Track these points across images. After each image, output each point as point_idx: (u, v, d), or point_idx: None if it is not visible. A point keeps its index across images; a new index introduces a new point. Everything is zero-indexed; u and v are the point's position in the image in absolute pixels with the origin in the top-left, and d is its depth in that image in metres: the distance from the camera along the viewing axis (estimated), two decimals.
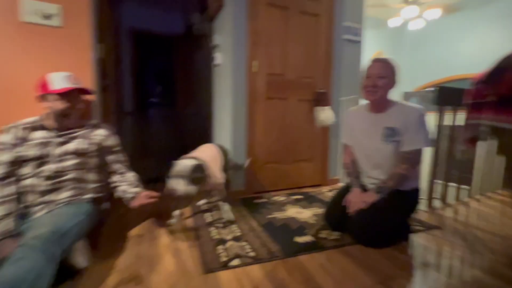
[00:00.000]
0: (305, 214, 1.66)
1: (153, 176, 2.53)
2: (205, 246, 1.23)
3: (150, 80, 2.77)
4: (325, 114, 2.26)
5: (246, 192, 2.11)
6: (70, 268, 0.99)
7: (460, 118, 1.67)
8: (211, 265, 1.08)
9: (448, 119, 1.90)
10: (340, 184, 2.47)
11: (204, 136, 2.68)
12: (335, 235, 1.36)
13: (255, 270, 1.05)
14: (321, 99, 2.27)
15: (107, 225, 1.41)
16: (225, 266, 1.07)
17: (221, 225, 1.47)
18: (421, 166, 1.37)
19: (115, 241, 1.29)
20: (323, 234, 1.37)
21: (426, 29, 4.67)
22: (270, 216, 1.62)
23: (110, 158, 1.29)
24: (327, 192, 2.17)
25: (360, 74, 1.35)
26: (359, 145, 1.45)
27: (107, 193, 1.33)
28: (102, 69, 1.73)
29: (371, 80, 1.29)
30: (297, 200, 1.95)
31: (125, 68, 2.52)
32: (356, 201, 1.33)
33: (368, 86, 1.30)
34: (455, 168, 2.08)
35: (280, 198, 2.01)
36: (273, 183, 2.24)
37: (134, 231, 1.40)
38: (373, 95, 1.30)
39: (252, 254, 1.16)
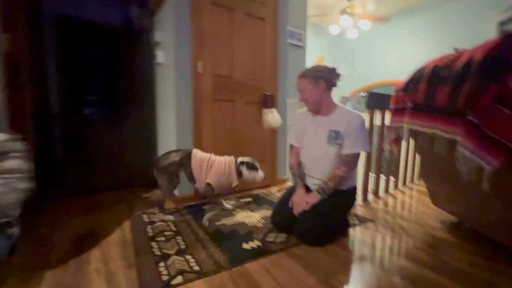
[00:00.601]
0: (254, 217, 1.66)
1: (91, 186, 2.24)
2: (145, 265, 1.12)
3: (86, 76, 2.41)
4: (272, 117, 2.31)
5: (194, 198, 2.01)
6: None
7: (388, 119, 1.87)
8: (151, 287, 0.98)
9: (378, 120, 2.13)
10: (289, 184, 2.56)
11: (148, 139, 2.48)
12: (281, 237, 1.38)
13: (199, 286, 0.99)
14: (269, 102, 2.31)
15: (20, 253, 1.17)
16: (167, 285, 0.99)
17: (163, 238, 1.36)
18: (357, 167, 1.49)
19: (32, 271, 1.07)
20: (271, 237, 1.38)
21: (359, 38, 5.19)
22: (218, 223, 1.57)
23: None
24: (276, 193, 2.22)
25: None
26: (305, 146, 1.51)
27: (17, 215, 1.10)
28: (10, 64, 1.43)
29: (301, 96, 1.41)
30: (247, 203, 1.94)
31: (50, 63, 2.15)
32: (300, 202, 1.39)
33: (301, 99, 1.42)
34: (385, 163, 2.35)
35: (229, 202, 1.97)
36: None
37: (56, 256, 1.20)
38: (309, 108, 1.43)
39: (196, 268, 1.09)
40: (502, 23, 2.98)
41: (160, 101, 2.27)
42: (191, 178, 1.61)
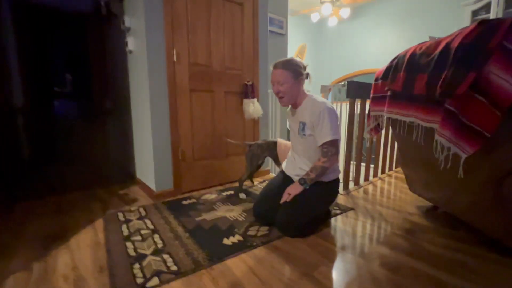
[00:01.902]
0: (236, 211, 1.63)
1: (61, 185, 2.09)
2: (118, 268, 1.05)
3: (52, 66, 2.20)
4: (253, 107, 2.25)
5: (174, 194, 1.94)
6: None
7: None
8: None
9: (358, 109, 2.13)
10: (271, 175, 2.54)
11: (122, 133, 2.34)
12: (263, 230, 1.36)
13: (177, 287, 0.94)
14: (249, 92, 2.24)
15: None
16: None
17: (139, 237, 1.29)
18: (338, 157, 1.48)
19: None
20: (252, 231, 1.36)
21: (339, 26, 5.18)
22: (198, 219, 1.51)
23: None
24: (259, 185, 2.19)
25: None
26: (291, 138, 1.54)
27: None
28: None
29: (275, 88, 1.36)
30: (228, 197, 1.90)
31: (10, 51, 1.94)
32: (290, 190, 1.37)
33: (275, 92, 1.37)
34: (365, 151, 2.38)
35: (211, 196, 1.92)
36: (204, 180, 2.13)
37: (18, 264, 1.10)
38: (282, 101, 1.39)
39: (174, 268, 1.04)
40: (474, 12, 3.07)
41: (134, 92, 2.14)
42: (277, 161, 1.89)
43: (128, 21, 1.99)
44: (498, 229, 1.13)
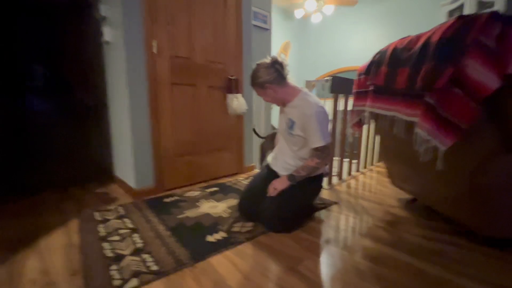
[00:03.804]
0: (220, 207, 1.59)
1: (33, 184, 1.95)
2: (93, 270, 0.99)
3: (23, 58, 2.03)
4: (237, 102, 2.21)
5: (155, 191, 1.87)
6: None
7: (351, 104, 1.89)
8: None
9: (341, 105, 2.16)
10: (256, 171, 2.52)
11: (99, 128, 2.22)
12: (248, 226, 1.34)
13: (157, 287, 0.90)
14: (233, 86, 2.20)
15: None
16: None
17: (117, 238, 1.23)
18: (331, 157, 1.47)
19: None
20: (237, 227, 1.33)
21: (324, 23, 5.23)
22: (181, 216, 1.47)
23: None
24: (243, 181, 2.17)
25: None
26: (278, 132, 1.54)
27: None
28: None
29: (263, 98, 1.41)
30: (212, 193, 1.86)
31: None
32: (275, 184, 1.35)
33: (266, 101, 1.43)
34: (348, 146, 2.42)
35: (194, 193, 1.87)
36: (187, 177, 2.07)
37: None
38: (277, 104, 1.42)
39: (154, 268, 1.00)
40: (451, 12, 3.19)
41: (111, 85, 2.03)
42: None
43: (104, 10, 1.88)
44: (473, 219, 1.18)
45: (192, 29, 1.96)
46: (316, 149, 1.30)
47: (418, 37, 1.11)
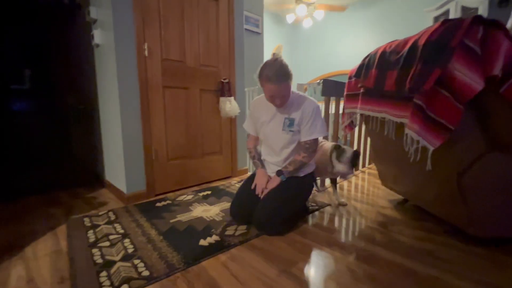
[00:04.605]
0: (213, 211, 1.58)
1: (19, 189, 1.88)
2: (81, 277, 0.96)
3: (10, 61, 1.99)
4: (230, 105, 2.21)
5: (147, 196, 1.84)
6: None
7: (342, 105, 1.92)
8: None
9: (333, 107, 2.19)
10: (249, 174, 2.51)
11: (89, 131, 2.18)
12: (241, 229, 1.33)
13: None
14: (226, 90, 2.20)
15: None
16: None
17: (107, 243, 1.20)
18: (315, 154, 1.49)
19: None
20: (230, 230, 1.32)
21: (314, 28, 5.31)
22: (173, 221, 1.44)
23: None
24: (237, 184, 2.16)
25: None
26: (262, 133, 1.47)
27: None
28: None
29: (277, 100, 1.28)
30: (205, 197, 1.84)
31: None
32: (262, 183, 1.39)
33: (274, 101, 1.30)
34: None
35: (187, 197, 1.85)
36: (179, 181, 2.05)
37: None
38: (281, 105, 1.33)
39: (146, 273, 0.98)
40: (436, 18, 3.30)
41: (102, 88, 2.00)
42: None
43: (94, 12, 1.86)
44: (461, 219, 1.20)
45: (184, 32, 1.96)
46: (306, 142, 1.35)
47: (405, 40, 1.14)
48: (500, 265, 1.03)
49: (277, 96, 1.27)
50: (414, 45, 1.04)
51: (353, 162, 1.50)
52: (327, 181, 1.97)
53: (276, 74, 1.22)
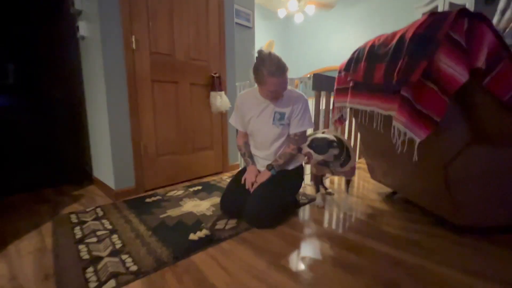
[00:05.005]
0: (203, 206, 1.57)
1: (2, 187, 1.83)
2: (67, 274, 0.94)
3: None
4: (221, 100, 2.19)
5: (136, 192, 1.81)
6: None
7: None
8: None
9: (324, 102, 2.19)
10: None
11: (76, 127, 2.13)
12: (232, 223, 1.33)
13: None
14: (216, 84, 2.17)
15: None
16: None
17: (94, 239, 1.18)
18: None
19: None
20: (220, 224, 1.31)
21: (306, 24, 5.31)
22: (163, 216, 1.43)
23: None
24: (228, 179, 2.15)
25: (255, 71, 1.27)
26: (251, 128, 1.45)
27: None
28: None
29: (280, 93, 1.30)
30: (196, 192, 1.83)
31: None
32: (251, 177, 1.40)
33: (272, 93, 1.29)
34: None
35: (177, 192, 1.83)
36: (170, 176, 2.02)
37: None
38: (276, 98, 1.34)
39: (134, 268, 0.96)
40: (424, 14, 3.34)
41: (88, 81, 1.94)
42: None
43: (78, 3, 1.80)
44: (447, 210, 1.23)
45: (173, 25, 1.92)
46: (295, 134, 1.38)
47: (394, 34, 1.14)
48: (484, 253, 1.07)
49: (280, 89, 1.29)
50: (402, 38, 1.05)
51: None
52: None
53: (278, 67, 1.23)
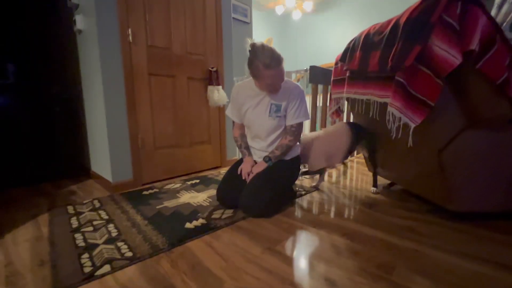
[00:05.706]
0: (200, 197, 1.57)
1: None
2: (62, 260, 0.94)
3: None
4: (218, 94, 2.19)
5: (134, 185, 1.82)
6: None
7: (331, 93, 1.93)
8: (68, 282, 0.82)
9: (321, 100, 2.20)
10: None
11: (74, 122, 2.13)
12: (228, 213, 1.33)
13: (131, 273, 0.87)
14: (214, 78, 2.18)
15: None
16: (90, 277, 0.84)
17: (90, 228, 1.18)
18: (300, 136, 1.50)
19: None
20: (216, 214, 1.32)
21: (304, 20, 5.31)
22: (160, 207, 1.43)
23: None
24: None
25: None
26: (247, 120, 1.45)
27: None
28: None
29: (276, 84, 1.30)
30: (193, 185, 1.83)
31: None
32: (247, 167, 1.41)
33: (270, 86, 1.29)
34: None
35: (174, 185, 1.83)
36: (167, 170, 2.02)
37: None
38: (274, 91, 1.34)
39: (129, 254, 0.96)
40: None
41: (85, 75, 1.95)
42: None
43: None
44: (441, 195, 1.23)
45: (170, 19, 1.92)
46: (292, 126, 1.38)
47: (388, 21, 1.15)
48: (478, 238, 1.07)
49: (277, 81, 1.28)
50: (396, 24, 1.05)
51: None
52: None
53: (273, 59, 1.22)
